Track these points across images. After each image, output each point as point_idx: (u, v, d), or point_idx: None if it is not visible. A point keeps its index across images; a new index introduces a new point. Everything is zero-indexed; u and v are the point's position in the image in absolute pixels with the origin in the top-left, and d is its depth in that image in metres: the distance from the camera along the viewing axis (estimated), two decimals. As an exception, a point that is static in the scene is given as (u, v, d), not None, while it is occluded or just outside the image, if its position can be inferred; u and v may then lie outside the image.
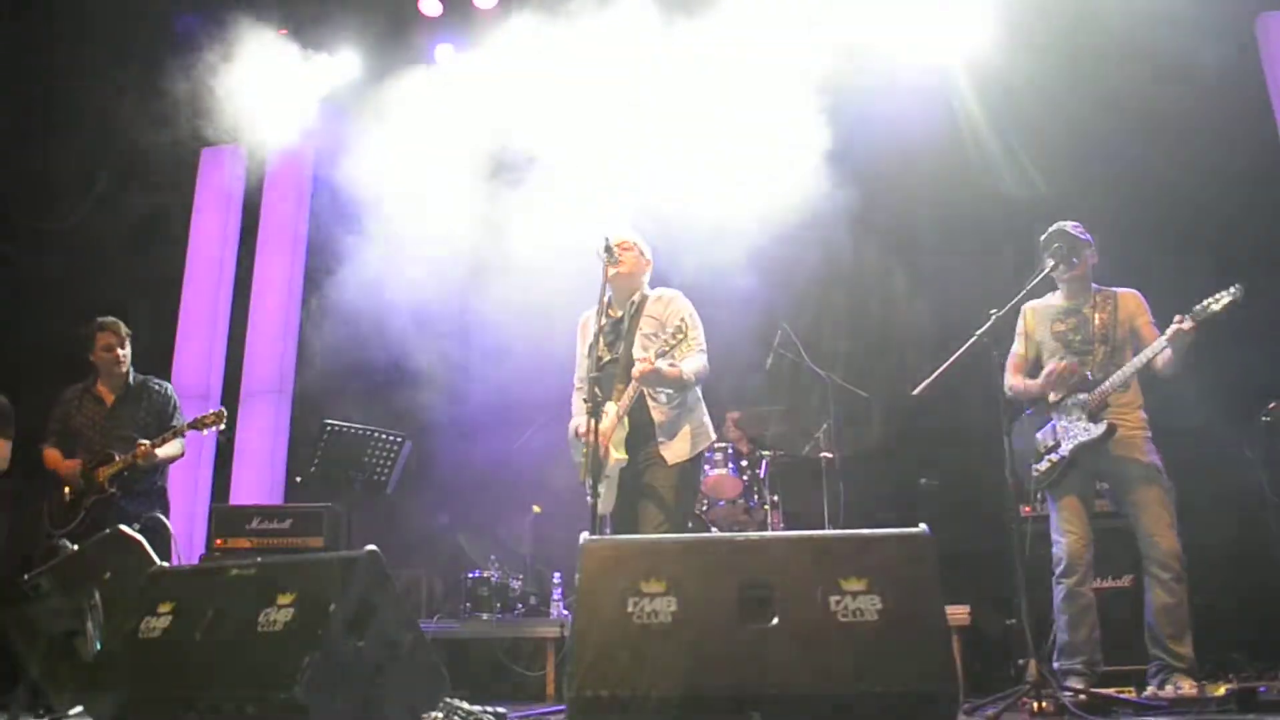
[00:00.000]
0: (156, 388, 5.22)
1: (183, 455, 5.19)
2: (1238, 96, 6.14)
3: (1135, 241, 5.63)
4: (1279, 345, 5.14)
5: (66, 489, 4.94)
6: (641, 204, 6.17)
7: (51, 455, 5.06)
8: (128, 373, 5.17)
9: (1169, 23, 5.86)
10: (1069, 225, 4.31)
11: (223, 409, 5.06)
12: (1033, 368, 4.39)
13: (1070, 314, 4.33)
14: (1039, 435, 4.26)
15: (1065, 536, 4.13)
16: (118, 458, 4.88)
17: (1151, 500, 4.06)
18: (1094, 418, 4.13)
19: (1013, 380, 4.34)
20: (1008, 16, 6.16)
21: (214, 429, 5.02)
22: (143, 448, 4.82)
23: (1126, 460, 4.12)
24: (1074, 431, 4.16)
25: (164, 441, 4.95)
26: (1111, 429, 4.09)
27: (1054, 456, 4.19)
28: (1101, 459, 4.16)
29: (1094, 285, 4.36)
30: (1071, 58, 6.16)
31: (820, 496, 5.98)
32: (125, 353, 5.14)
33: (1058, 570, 4.13)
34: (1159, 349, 4.02)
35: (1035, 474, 4.21)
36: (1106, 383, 4.13)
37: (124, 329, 5.17)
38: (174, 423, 5.08)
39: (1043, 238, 4.33)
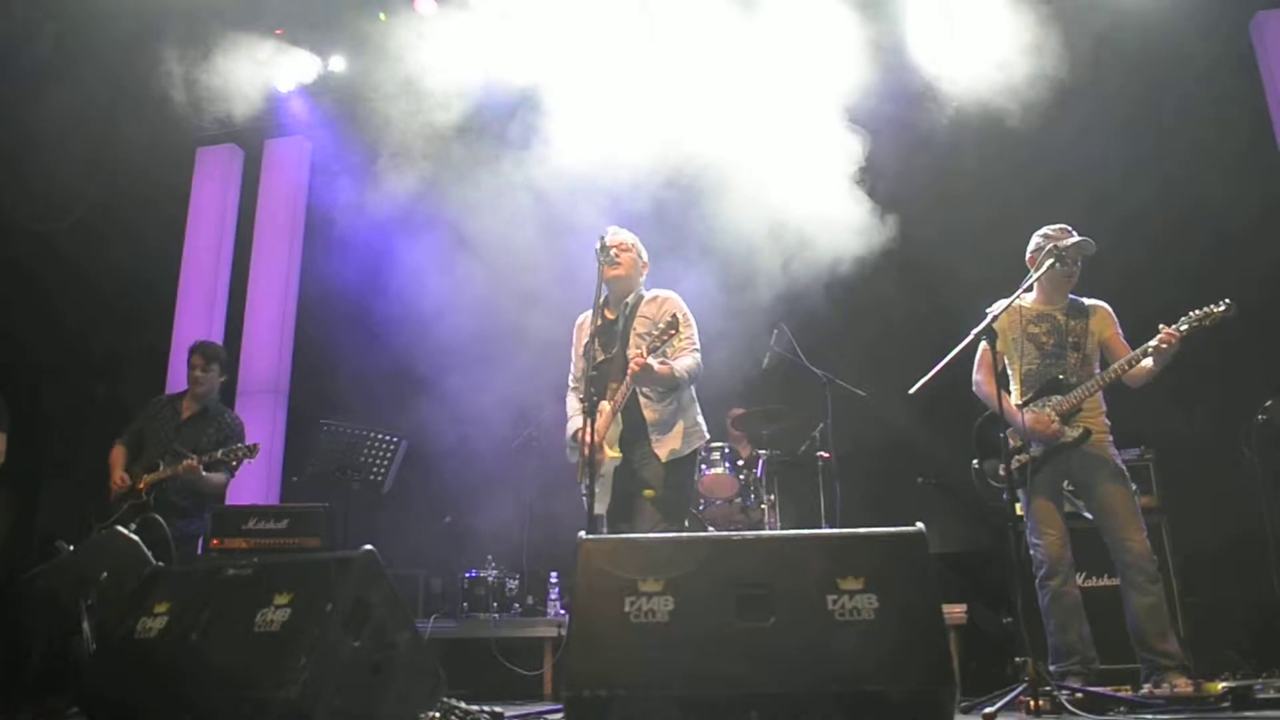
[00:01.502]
0: (228, 419, 5.37)
1: (223, 489, 5.28)
2: (1234, 95, 6.15)
3: (1131, 241, 5.64)
4: (1275, 345, 5.14)
5: (112, 489, 5.06)
6: (641, 202, 6.18)
7: (115, 452, 5.21)
8: (208, 399, 5.33)
9: (1165, 21, 5.87)
10: (1072, 231, 4.30)
11: (256, 444, 5.12)
12: (1001, 366, 4.38)
13: (1044, 318, 4.33)
14: (1003, 436, 4.27)
15: (1043, 539, 4.14)
16: (162, 467, 4.97)
17: (1119, 502, 4.07)
18: (1067, 421, 4.15)
19: (984, 382, 4.32)
20: (1004, 17, 6.16)
21: (246, 460, 5.11)
22: (189, 462, 4.89)
23: (1096, 461, 4.14)
24: (1048, 432, 4.16)
25: (212, 466, 5.00)
26: (1087, 433, 4.12)
27: (1024, 455, 4.20)
28: (1071, 460, 4.18)
29: (1070, 296, 4.36)
30: (1067, 57, 6.16)
31: (817, 495, 5.99)
32: (204, 376, 5.29)
33: (1040, 574, 4.14)
34: (1141, 356, 4.02)
35: (1003, 472, 4.19)
36: (1083, 387, 4.14)
37: (210, 353, 5.36)
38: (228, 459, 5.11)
39: (1050, 237, 4.30)
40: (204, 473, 4.96)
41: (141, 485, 4.99)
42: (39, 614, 3.67)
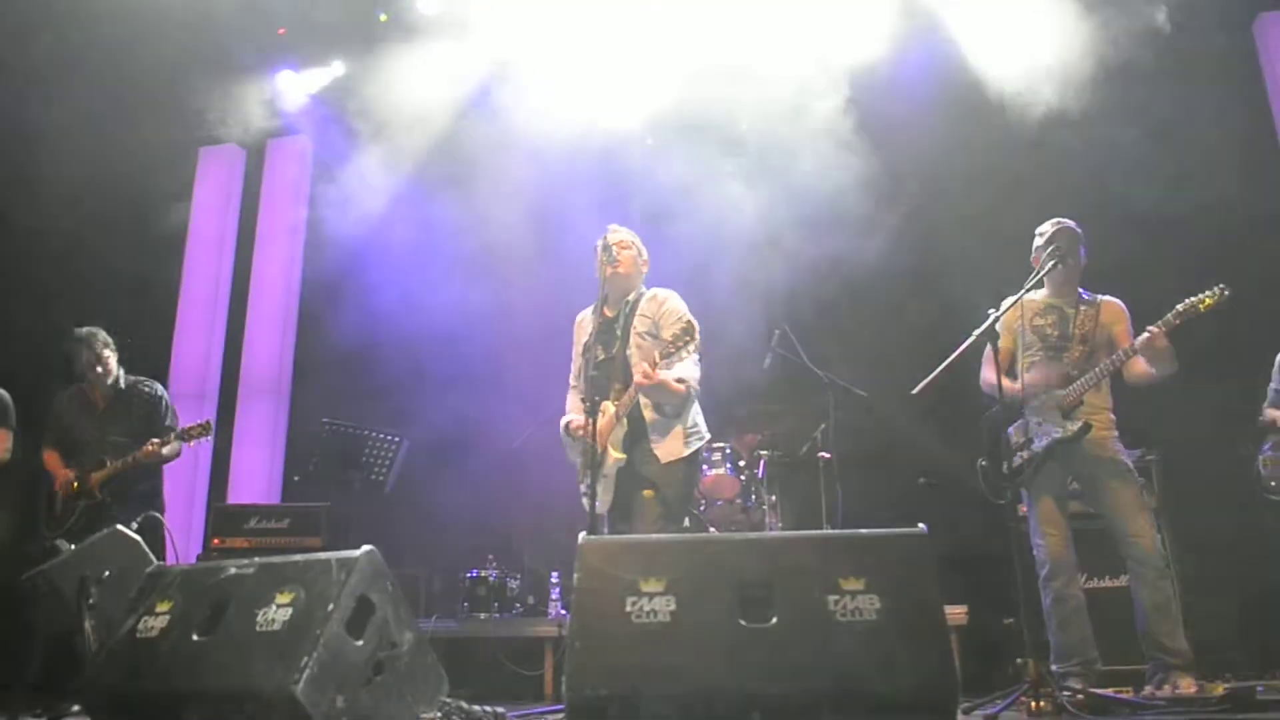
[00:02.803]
0: (146, 390, 5.20)
1: (179, 456, 5.18)
2: (1236, 96, 6.15)
3: (1132, 242, 5.64)
4: (1276, 345, 5.13)
5: (61, 493, 4.99)
6: (642, 200, 6.18)
7: (50, 458, 5.11)
8: (116, 379, 5.15)
9: (1168, 22, 5.87)
10: (1070, 223, 4.31)
11: (209, 421, 5.05)
12: (1010, 361, 4.39)
13: (1051, 310, 4.33)
14: (1009, 431, 4.26)
15: (1045, 539, 4.13)
16: (109, 463, 4.90)
17: (1127, 499, 4.05)
18: (1068, 415, 4.14)
19: (990, 375, 4.31)
20: (1007, 22, 6.18)
21: (200, 440, 5.04)
22: (150, 447, 4.84)
23: (1099, 459, 4.13)
24: (1048, 428, 4.15)
25: (164, 443, 4.95)
26: (1087, 426, 4.08)
27: (1026, 452, 4.20)
28: (1075, 457, 4.16)
29: (1081, 290, 4.36)
30: (1071, 60, 6.15)
31: (818, 496, 5.98)
32: (105, 367, 5.09)
33: (1043, 574, 4.13)
34: (1130, 353, 4.03)
35: (1006, 470, 4.20)
36: (1081, 380, 4.13)
37: (100, 340, 5.09)
38: (166, 422, 5.11)
39: (1046, 234, 4.32)
40: (163, 451, 4.90)
41: (93, 484, 4.91)
42: (41, 613, 3.67)
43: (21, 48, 6.87)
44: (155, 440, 4.87)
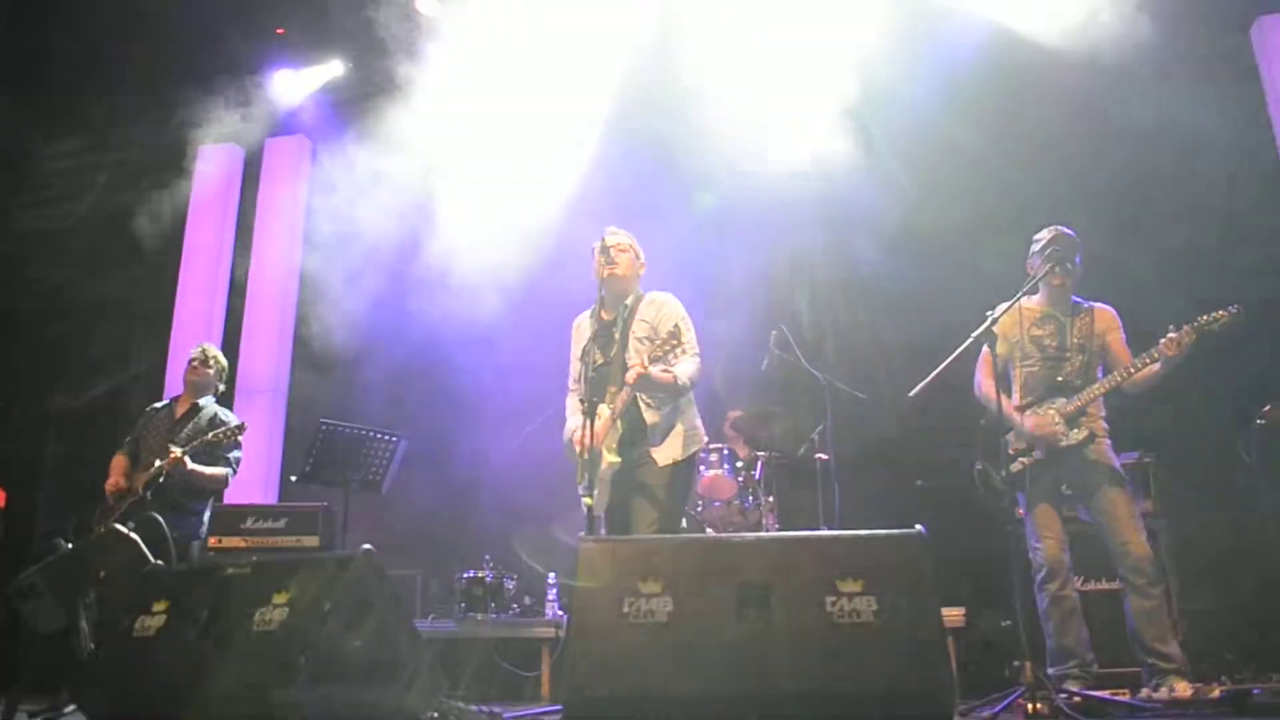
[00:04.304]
0: (223, 418, 5.27)
1: (224, 483, 5.21)
2: (1234, 99, 6.15)
3: (1131, 246, 5.64)
4: (1274, 349, 5.14)
5: (108, 492, 5.03)
6: (640, 200, 6.18)
7: (115, 461, 5.18)
8: (198, 394, 5.30)
9: (1166, 24, 5.87)
10: (1067, 230, 4.32)
11: (243, 422, 5.13)
12: (1004, 368, 4.39)
13: (1048, 320, 4.34)
14: (1007, 438, 4.27)
15: (1043, 542, 4.14)
16: (157, 463, 4.92)
17: (1119, 505, 4.06)
18: (1071, 423, 4.15)
19: (985, 383, 4.31)
20: (1007, 22, 6.18)
21: (239, 439, 5.13)
22: (173, 455, 4.84)
23: (1095, 465, 4.14)
24: (1050, 435, 4.16)
25: (208, 459, 4.99)
26: (1091, 435, 4.11)
27: (1026, 458, 4.21)
28: (1071, 463, 4.17)
29: (1074, 298, 4.36)
30: (1067, 62, 6.16)
31: (816, 498, 5.98)
32: (198, 375, 5.29)
33: (1039, 577, 4.14)
34: (1148, 360, 4.03)
35: (1004, 474, 4.19)
36: (1089, 390, 4.14)
37: (207, 354, 5.37)
38: (228, 453, 5.13)
39: (1043, 240, 4.33)
40: (191, 465, 4.89)
41: (137, 482, 4.94)
42: (38, 612, 3.66)
43: (23, 48, 6.87)
44: (176, 450, 4.87)
